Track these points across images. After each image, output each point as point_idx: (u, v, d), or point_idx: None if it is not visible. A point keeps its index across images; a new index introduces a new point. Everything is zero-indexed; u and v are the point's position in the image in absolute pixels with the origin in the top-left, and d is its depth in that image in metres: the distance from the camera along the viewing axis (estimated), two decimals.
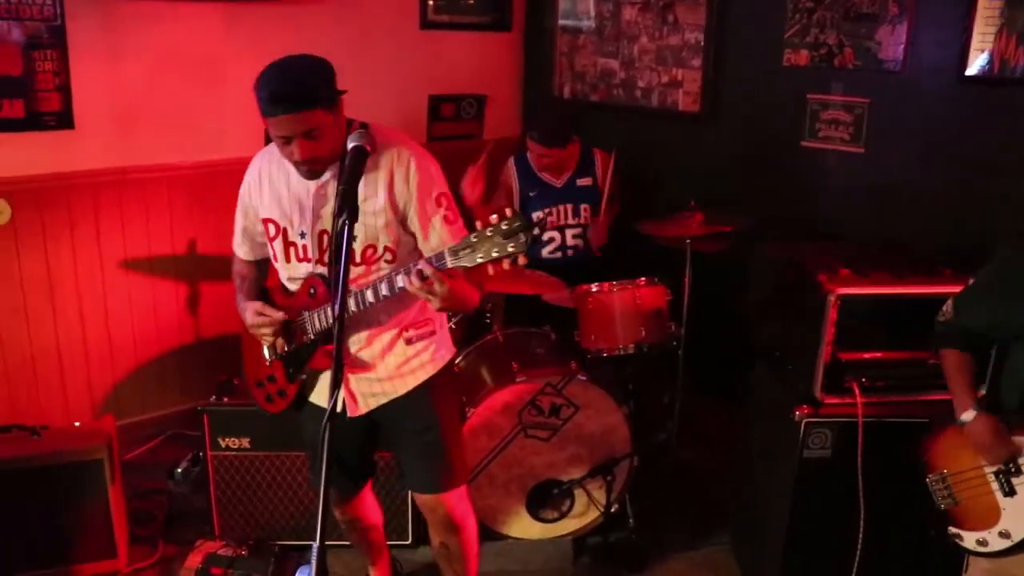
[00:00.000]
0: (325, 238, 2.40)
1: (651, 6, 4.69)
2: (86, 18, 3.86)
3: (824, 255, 3.05)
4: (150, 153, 4.15)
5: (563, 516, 3.56)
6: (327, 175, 2.36)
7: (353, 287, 2.33)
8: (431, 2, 4.89)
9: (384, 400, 2.57)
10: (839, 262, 2.94)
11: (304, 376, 2.56)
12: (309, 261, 2.46)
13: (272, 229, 2.49)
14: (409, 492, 3.33)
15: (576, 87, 5.16)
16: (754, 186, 4.38)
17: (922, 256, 3.13)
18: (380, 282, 2.26)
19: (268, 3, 4.32)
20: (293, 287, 2.54)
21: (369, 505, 2.98)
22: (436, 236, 2.39)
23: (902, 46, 3.78)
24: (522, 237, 1.96)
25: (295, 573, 3.34)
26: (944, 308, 2.50)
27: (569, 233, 4.31)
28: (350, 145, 2.20)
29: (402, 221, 2.39)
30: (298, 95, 2.18)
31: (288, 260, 2.50)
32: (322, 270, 2.44)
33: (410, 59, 4.86)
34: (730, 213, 3.82)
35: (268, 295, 2.66)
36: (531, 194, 4.27)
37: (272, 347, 2.59)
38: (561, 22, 5.19)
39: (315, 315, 2.44)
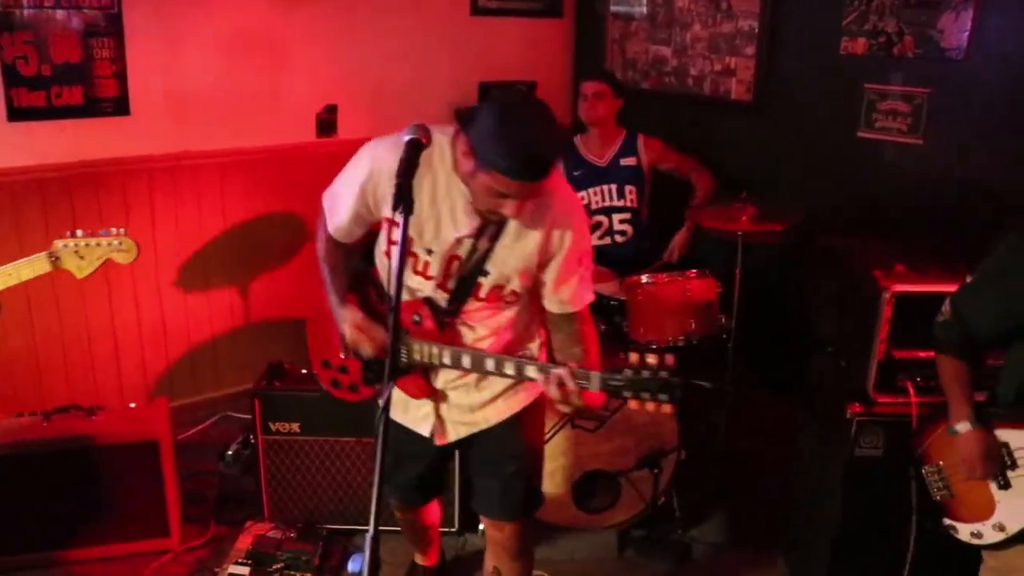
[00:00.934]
0: (454, 264, 2.27)
1: None
2: (142, 5, 3.92)
3: (879, 250, 2.99)
4: (204, 139, 4.21)
5: (609, 507, 3.55)
6: None
7: (468, 320, 2.32)
8: None
9: (474, 430, 2.50)
10: (895, 258, 2.88)
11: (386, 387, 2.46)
12: (429, 279, 2.31)
13: (397, 234, 2.18)
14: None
15: (627, 74, 5.11)
16: (808, 177, 4.31)
17: (982, 252, 3.06)
18: (506, 361, 2.19)
19: None
20: (385, 279, 2.40)
21: (432, 510, 2.98)
22: (568, 293, 2.34)
23: (966, 33, 3.67)
24: (676, 392, 1.94)
25: (347, 561, 3.38)
26: (943, 308, 2.44)
27: (616, 218, 4.28)
28: (406, 138, 2.05)
29: (540, 267, 2.30)
30: (547, 168, 2.05)
31: (403, 268, 2.29)
32: (434, 293, 2.32)
33: (461, 45, 4.86)
34: (783, 205, 3.76)
35: (367, 296, 2.50)
36: (576, 174, 4.26)
37: (355, 349, 2.44)
38: (613, 8, 5.15)
39: (415, 344, 2.30)
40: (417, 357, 2.30)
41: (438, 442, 2.48)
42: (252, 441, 3.89)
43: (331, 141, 4.53)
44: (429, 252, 2.27)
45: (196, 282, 4.36)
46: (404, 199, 1.95)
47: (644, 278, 3.62)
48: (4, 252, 3.49)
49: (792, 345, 3.48)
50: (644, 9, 4.97)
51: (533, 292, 2.37)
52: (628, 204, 4.28)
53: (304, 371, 3.51)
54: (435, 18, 4.70)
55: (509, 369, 2.18)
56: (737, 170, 4.48)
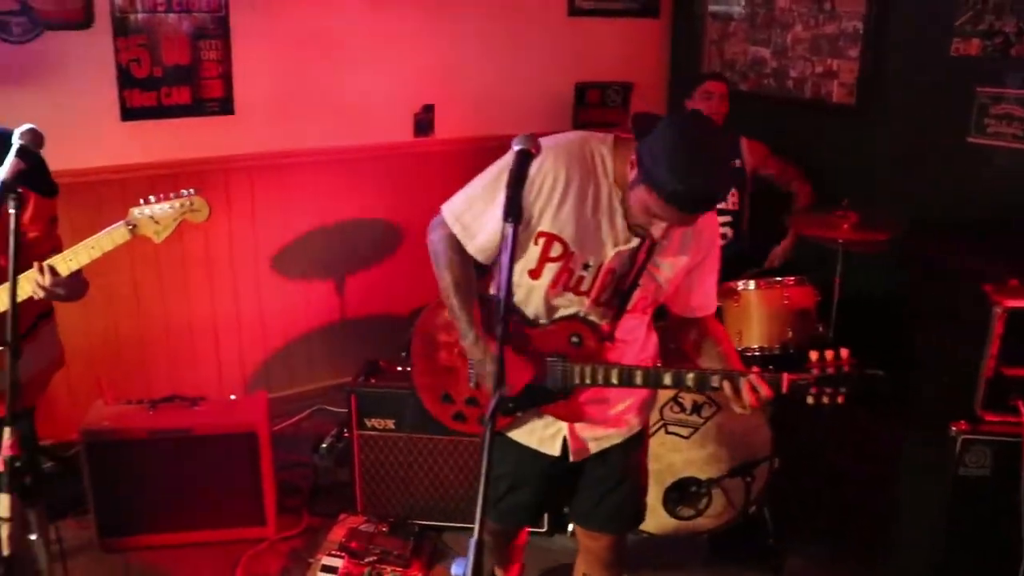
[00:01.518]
0: (609, 277, 2.20)
1: None
2: (248, 8, 4.04)
3: (990, 263, 2.91)
4: (303, 138, 4.31)
5: (699, 514, 3.51)
6: None
7: (620, 333, 2.27)
8: None
9: (606, 444, 2.43)
10: (1007, 271, 2.79)
11: (521, 414, 2.36)
12: (580, 294, 2.22)
13: (557, 249, 2.17)
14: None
15: (725, 75, 5.03)
16: (913, 184, 4.17)
17: None
18: (687, 374, 2.17)
19: None
20: (540, 315, 2.28)
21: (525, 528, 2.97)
22: (703, 297, 2.34)
23: None
24: (857, 383, 2.03)
25: (450, 567, 3.41)
26: None
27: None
28: (515, 148, 1.93)
29: (687, 272, 2.28)
30: (711, 205, 2.05)
31: (555, 287, 2.21)
32: (586, 309, 2.24)
33: (557, 46, 4.85)
34: (886, 214, 3.66)
35: (487, 309, 2.30)
36: None
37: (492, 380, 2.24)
38: (711, 8, 5.08)
39: (576, 368, 2.23)
40: (577, 380, 2.23)
41: (574, 458, 2.39)
42: (346, 435, 3.97)
43: (428, 140, 4.59)
44: (586, 267, 2.18)
45: (294, 278, 4.47)
46: (514, 211, 1.82)
47: (741, 284, 3.58)
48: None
49: (894, 358, 3.38)
50: (743, 9, 4.89)
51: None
52: (729, 207, 4.22)
53: (399, 368, 3.56)
54: (532, 19, 4.71)
55: (690, 381, 2.16)
56: (836, 175, 4.38)
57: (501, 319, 1.77)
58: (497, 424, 2.24)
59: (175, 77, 3.95)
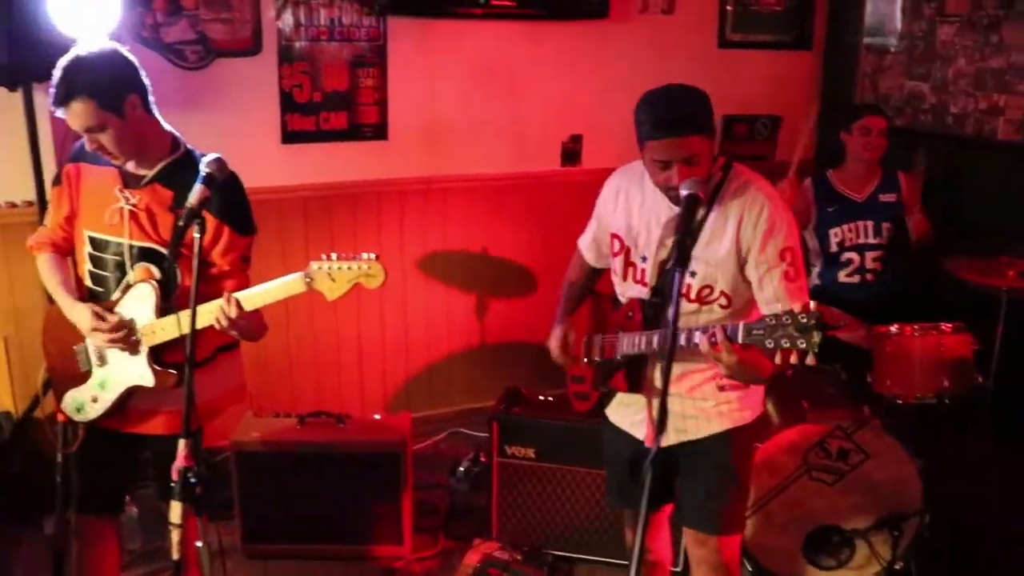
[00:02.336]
0: (663, 269, 2.42)
1: (973, 24, 4.35)
2: (405, 38, 4.17)
3: None
4: (453, 164, 4.41)
5: (841, 565, 3.39)
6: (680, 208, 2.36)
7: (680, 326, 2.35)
8: (730, 21, 4.84)
9: (683, 438, 2.53)
10: None
11: (606, 389, 2.64)
12: (643, 285, 2.48)
13: (617, 245, 2.53)
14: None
15: (884, 110, 4.89)
16: None
17: None
18: (681, 332, 2.26)
19: (571, 22, 4.45)
20: (622, 301, 2.61)
21: (662, 539, 2.93)
22: (771, 289, 2.33)
23: None
24: (815, 336, 1.94)
25: None
26: None
27: (869, 256, 4.09)
28: (683, 193, 2.20)
29: (742, 266, 2.36)
30: (685, 120, 2.22)
31: (624, 279, 2.54)
32: (649, 298, 2.47)
33: (706, 78, 4.66)
34: None
35: (598, 301, 2.74)
36: (829, 210, 4.11)
37: (587, 351, 2.64)
38: (866, 40, 4.94)
39: (626, 338, 2.48)
40: (627, 349, 2.48)
41: (647, 444, 2.53)
42: (483, 460, 4.02)
43: (575, 170, 4.64)
44: (643, 259, 2.47)
45: (439, 301, 4.57)
46: (682, 256, 2.07)
47: (895, 328, 3.44)
48: (268, 264, 3.75)
49: None
50: (901, 42, 4.74)
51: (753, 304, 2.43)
52: (883, 241, 4.08)
53: (542, 398, 3.58)
54: (682, 50, 4.69)
55: (681, 339, 2.25)
56: (1002, 217, 4.17)
57: (669, 344, 2.07)
58: (594, 398, 2.69)
59: (333, 103, 4.11)
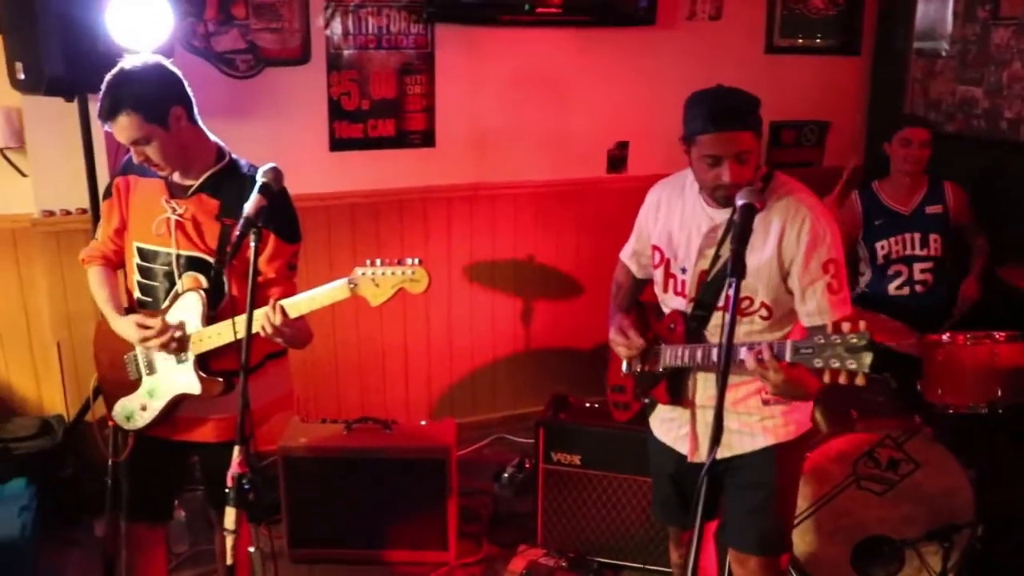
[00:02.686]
0: (704, 279, 2.41)
1: None
2: (452, 46, 4.20)
3: None
4: (499, 171, 4.43)
5: None
6: (720, 218, 2.36)
7: (713, 339, 2.36)
8: (777, 26, 4.81)
9: (727, 453, 2.47)
10: None
11: (647, 400, 2.63)
12: (683, 297, 2.47)
13: (657, 257, 2.53)
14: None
15: (929, 115, 4.82)
16: None
17: None
18: (739, 346, 2.20)
19: (618, 29, 4.45)
20: (665, 311, 2.59)
21: (708, 555, 2.87)
22: (814, 302, 2.30)
23: None
24: (865, 357, 1.89)
25: None
26: None
27: (917, 267, 4.04)
28: (739, 202, 2.16)
29: (784, 278, 2.33)
30: (739, 114, 2.23)
31: (665, 290, 2.53)
32: (688, 308, 2.45)
33: (753, 84, 4.64)
34: None
35: (643, 311, 2.72)
36: (876, 223, 4.06)
37: (628, 361, 2.62)
38: (916, 45, 4.87)
39: (668, 350, 2.46)
40: (668, 361, 2.46)
41: (690, 458, 2.53)
42: (527, 466, 4.03)
43: (621, 177, 4.64)
44: (683, 271, 2.46)
45: (484, 307, 4.58)
46: (738, 266, 2.03)
47: (946, 336, 3.39)
48: (316, 269, 3.81)
49: None
50: (952, 46, 4.67)
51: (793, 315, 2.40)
52: (931, 253, 4.03)
53: (588, 404, 3.58)
54: (729, 55, 4.67)
55: (714, 355, 2.24)
56: None
57: (721, 361, 2.01)
58: (635, 408, 2.68)
59: (381, 110, 4.15)
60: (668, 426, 2.61)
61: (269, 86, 3.98)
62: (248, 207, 2.23)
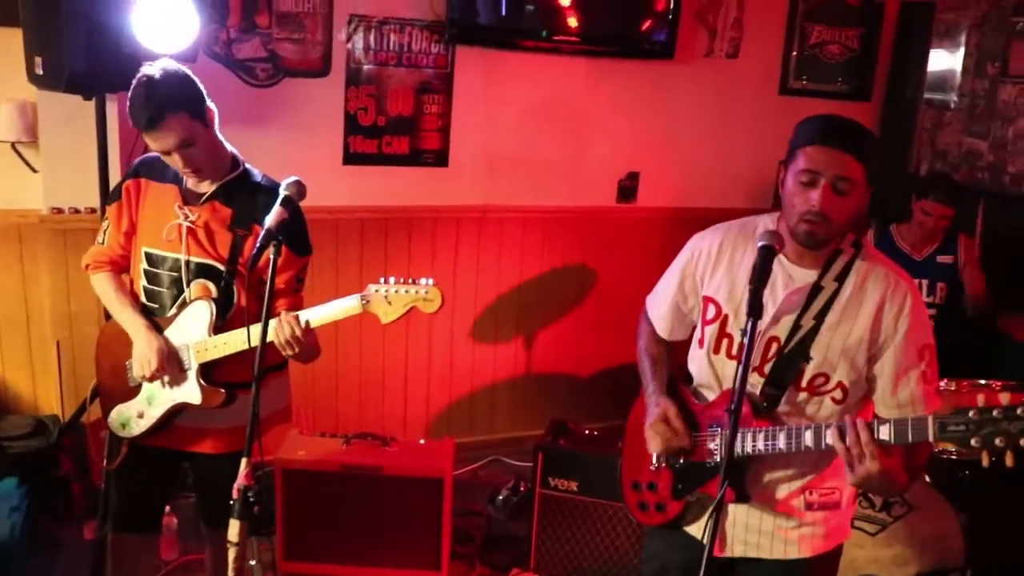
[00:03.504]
0: (773, 347, 2.08)
1: None
2: (471, 67, 4.23)
3: None
4: (510, 194, 4.45)
5: None
6: (805, 279, 2.07)
7: (786, 419, 2.07)
8: (793, 68, 4.88)
9: (750, 554, 2.20)
10: None
11: (693, 499, 2.20)
12: (739, 361, 2.06)
13: (712, 311, 2.19)
14: None
15: (935, 165, 4.89)
16: None
17: None
18: (806, 429, 1.98)
19: (636, 61, 4.49)
20: (706, 390, 2.24)
21: None
22: (907, 392, 2.03)
23: None
24: None
25: None
26: None
27: None
28: (759, 244, 1.95)
29: (871, 360, 2.06)
30: (851, 135, 1.98)
31: (716, 352, 2.18)
32: (753, 381, 2.10)
33: (766, 123, 4.83)
34: None
35: (676, 390, 2.31)
36: None
37: (664, 453, 2.25)
38: (927, 95, 4.94)
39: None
40: (740, 450, 2.08)
41: (715, 552, 2.10)
42: (522, 489, 4.02)
43: (630, 207, 4.66)
44: (745, 332, 2.00)
45: (487, 329, 4.59)
46: (756, 306, 1.87)
47: (943, 384, 3.42)
48: (321, 283, 3.85)
49: None
50: (962, 99, 4.74)
51: (867, 402, 2.12)
52: (936, 301, 4.07)
53: (587, 431, 3.58)
54: (743, 94, 4.72)
55: (808, 439, 1.96)
56: None
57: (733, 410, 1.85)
58: (673, 511, 2.23)
59: (397, 127, 4.17)
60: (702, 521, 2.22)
61: (287, 96, 3.99)
62: (270, 220, 2.21)
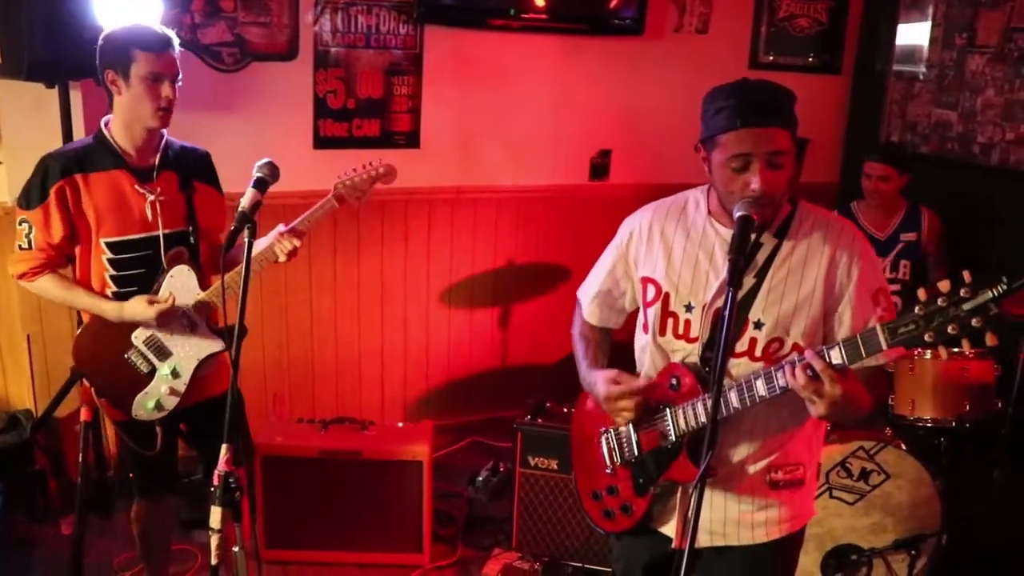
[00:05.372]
0: (718, 319, 1.95)
1: (1004, 57, 4.37)
2: (441, 48, 4.19)
3: None
4: (482, 175, 4.43)
5: None
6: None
7: (736, 382, 1.95)
8: (763, 42, 4.88)
9: (720, 543, 2.13)
10: None
11: (657, 490, 2.12)
12: (692, 341, 2.05)
13: (652, 292, 2.11)
14: None
15: (905, 136, 4.91)
16: None
17: None
18: (756, 377, 1.89)
19: (605, 38, 4.47)
20: (649, 369, 2.15)
21: None
22: None
23: None
24: (991, 308, 1.59)
25: None
26: None
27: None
28: (736, 215, 1.86)
29: (828, 314, 1.98)
30: (773, 108, 1.87)
31: (663, 333, 2.10)
32: (697, 353, 2.05)
33: None
34: None
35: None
36: None
37: (618, 449, 2.18)
38: (896, 67, 4.96)
39: (678, 412, 2.03)
40: (683, 426, 2.02)
41: (676, 544, 2.09)
42: (502, 469, 4.03)
43: (603, 185, 4.66)
44: (688, 308, 2.05)
45: (462, 311, 4.58)
46: (734, 275, 1.78)
47: (917, 353, 3.46)
48: (294, 268, 3.82)
49: None
50: (930, 70, 4.77)
51: None
52: (900, 276, 4.10)
53: (565, 410, 3.58)
54: (713, 69, 4.66)
55: (761, 388, 1.87)
56: (1022, 246, 4.19)
57: (714, 391, 1.77)
58: (640, 509, 2.15)
59: (367, 110, 4.13)
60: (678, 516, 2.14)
61: (255, 81, 3.95)
62: (244, 202, 2.20)
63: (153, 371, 2.68)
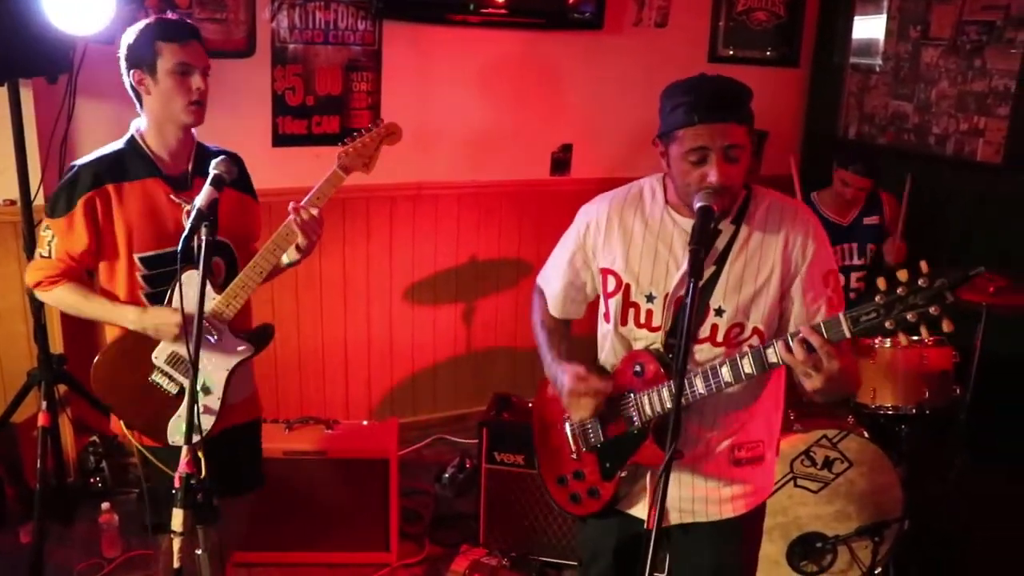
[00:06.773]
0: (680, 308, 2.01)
1: (957, 49, 4.44)
2: (400, 43, 4.16)
3: None
4: (443, 170, 4.41)
5: (822, 571, 3.43)
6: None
7: (700, 369, 2.00)
8: (721, 36, 4.91)
9: (688, 520, 2.19)
10: None
11: (624, 473, 2.16)
12: (654, 330, 2.10)
13: (612, 283, 2.14)
14: None
15: (863, 128, 4.98)
16: None
17: None
18: (742, 356, 1.91)
19: (565, 32, 4.46)
20: (610, 356, 2.21)
21: None
22: (820, 320, 1.95)
23: None
24: (948, 296, 1.64)
25: None
26: None
27: (853, 276, 4.17)
28: (696, 205, 1.91)
29: (783, 296, 2.04)
30: (730, 103, 1.92)
31: (624, 323, 2.14)
32: (659, 341, 2.09)
33: None
34: None
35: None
36: None
37: (583, 436, 2.22)
38: (852, 60, 5.03)
39: (643, 398, 2.07)
40: (649, 411, 2.07)
41: (648, 524, 1.99)
42: (468, 466, 4.02)
43: (564, 180, 4.66)
44: (650, 298, 2.09)
45: (425, 307, 4.57)
46: (695, 266, 1.80)
47: (877, 342, 3.50)
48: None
49: None
50: (886, 63, 4.83)
51: None
52: (867, 263, 4.16)
53: (530, 404, 3.57)
54: (672, 63, 4.72)
55: (747, 366, 1.91)
56: (981, 234, 4.26)
57: (677, 377, 1.80)
58: (608, 493, 2.19)
59: (326, 106, 4.10)
60: (639, 499, 2.22)
61: (211, 78, 3.88)
62: (201, 200, 2.14)
63: (182, 390, 2.47)
